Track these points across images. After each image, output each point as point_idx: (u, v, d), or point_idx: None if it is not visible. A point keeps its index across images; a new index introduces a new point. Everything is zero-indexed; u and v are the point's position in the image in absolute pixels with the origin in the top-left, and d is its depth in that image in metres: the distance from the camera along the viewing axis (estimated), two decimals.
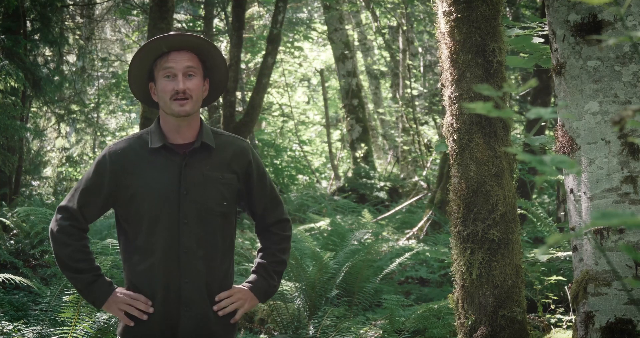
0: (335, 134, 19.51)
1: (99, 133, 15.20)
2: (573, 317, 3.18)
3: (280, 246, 2.54)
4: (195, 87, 2.37)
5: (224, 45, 17.50)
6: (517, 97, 10.09)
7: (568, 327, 4.38)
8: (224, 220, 2.41)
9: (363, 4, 15.54)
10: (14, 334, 3.94)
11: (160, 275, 2.33)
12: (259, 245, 2.60)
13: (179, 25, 13.03)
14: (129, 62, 2.42)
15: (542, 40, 3.69)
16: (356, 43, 16.81)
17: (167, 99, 2.34)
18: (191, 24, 13.55)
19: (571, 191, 2.52)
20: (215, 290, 2.40)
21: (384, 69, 17.69)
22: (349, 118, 13.56)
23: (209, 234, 2.37)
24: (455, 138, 3.08)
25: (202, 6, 12.79)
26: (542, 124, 8.03)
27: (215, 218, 2.38)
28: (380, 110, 16.68)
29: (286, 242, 2.57)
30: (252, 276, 2.52)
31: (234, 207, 2.47)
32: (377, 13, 15.25)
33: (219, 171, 2.40)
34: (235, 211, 2.50)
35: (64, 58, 11.49)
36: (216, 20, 13.55)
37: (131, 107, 16.66)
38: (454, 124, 3.08)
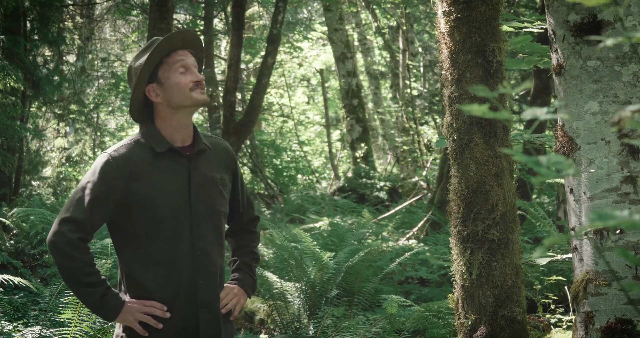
0: (335, 134, 19.51)
1: (98, 133, 15.21)
2: (573, 317, 3.18)
3: (255, 243, 2.65)
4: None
5: (223, 45, 17.50)
6: (517, 97, 10.08)
7: (568, 327, 4.38)
8: (225, 220, 2.46)
9: (363, 4, 15.53)
10: (14, 334, 3.93)
11: (177, 278, 2.31)
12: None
13: (179, 25, 13.02)
14: (144, 60, 2.32)
15: (541, 30, 3.70)
16: (356, 43, 16.80)
17: (187, 90, 2.33)
18: (191, 25, 13.54)
19: (571, 191, 2.52)
20: (221, 289, 2.43)
21: (383, 69, 17.68)
22: (349, 118, 13.55)
23: (216, 234, 2.39)
24: (455, 138, 3.07)
25: (202, 6, 12.78)
26: (542, 122, 8.01)
27: (220, 218, 2.41)
28: (380, 110, 16.68)
29: (259, 239, 2.69)
30: (238, 274, 2.55)
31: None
32: (377, 13, 15.24)
33: (217, 172, 2.43)
34: None
35: (64, 58, 11.49)
36: (216, 20, 13.55)
37: None
38: (454, 124, 3.08)
